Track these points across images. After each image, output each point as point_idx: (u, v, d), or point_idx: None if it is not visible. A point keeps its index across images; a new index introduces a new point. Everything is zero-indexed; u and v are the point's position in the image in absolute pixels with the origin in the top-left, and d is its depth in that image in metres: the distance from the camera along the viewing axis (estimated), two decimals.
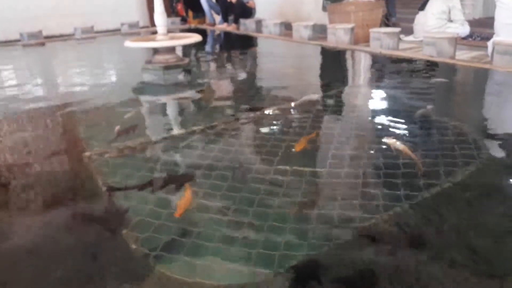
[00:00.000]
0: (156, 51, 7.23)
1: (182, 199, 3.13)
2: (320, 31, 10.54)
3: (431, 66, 7.22)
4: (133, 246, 2.66)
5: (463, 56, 7.51)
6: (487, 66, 6.63)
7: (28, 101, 6.19)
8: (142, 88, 6.86)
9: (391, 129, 4.44)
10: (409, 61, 7.66)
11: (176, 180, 3.51)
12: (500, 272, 2.26)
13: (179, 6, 15.88)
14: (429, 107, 5.01)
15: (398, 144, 3.76)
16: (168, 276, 2.39)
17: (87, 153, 4.09)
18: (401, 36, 9.15)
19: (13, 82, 7.87)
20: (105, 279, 2.39)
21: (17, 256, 2.65)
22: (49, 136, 4.77)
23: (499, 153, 3.91)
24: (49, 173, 3.79)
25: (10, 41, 11.90)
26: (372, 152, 3.91)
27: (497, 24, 7.06)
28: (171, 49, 7.29)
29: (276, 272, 2.36)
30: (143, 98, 6.41)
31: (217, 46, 11.94)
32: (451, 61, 7.12)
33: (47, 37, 12.52)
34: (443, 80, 6.32)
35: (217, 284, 2.31)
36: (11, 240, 2.85)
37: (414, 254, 2.45)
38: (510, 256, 2.41)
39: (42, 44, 12.05)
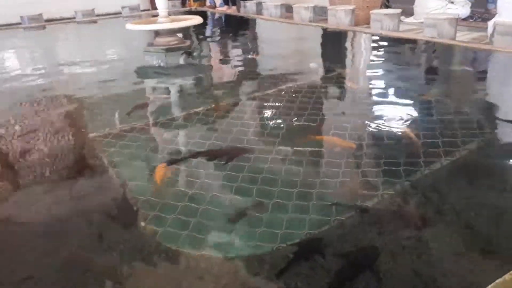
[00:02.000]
0: (157, 33, 7.22)
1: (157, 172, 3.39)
2: (320, 12, 10.48)
3: (432, 47, 7.21)
4: (142, 224, 2.74)
5: (464, 37, 7.49)
6: (487, 47, 6.62)
7: (31, 85, 6.23)
8: (144, 71, 6.87)
9: (392, 110, 4.48)
10: (410, 42, 7.64)
11: (227, 152, 3.62)
12: (499, 250, 2.33)
13: None
14: (435, 90, 5.05)
15: (401, 127, 3.83)
16: (175, 250, 2.47)
17: (92, 134, 4.15)
18: (402, 17, 9.09)
19: (16, 65, 7.88)
20: (114, 255, 2.47)
21: (25, 235, 2.73)
22: (54, 119, 4.81)
23: (499, 132, 3.96)
24: (55, 155, 3.85)
25: (11, 25, 11.83)
26: (372, 133, 3.96)
27: (499, 3, 7.02)
28: (173, 32, 7.27)
29: (279, 246, 2.44)
30: (146, 80, 6.43)
31: (218, 29, 11.88)
32: (452, 42, 7.10)
33: (48, 20, 12.45)
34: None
35: (223, 256, 2.39)
36: (19, 219, 2.93)
37: (415, 232, 2.52)
38: (508, 234, 2.48)
39: (43, 27, 11.99)
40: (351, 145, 3.62)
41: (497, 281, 1.75)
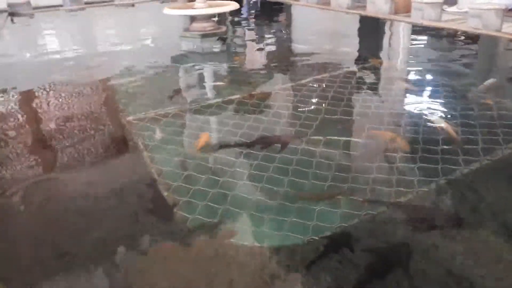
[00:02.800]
0: (193, 19, 7.25)
1: (201, 138, 3.71)
2: None
3: (475, 39, 6.91)
4: (174, 210, 2.80)
5: (511, 29, 7.11)
6: None
7: (71, 67, 6.41)
8: (180, 56, 6.93)
9: (431, 105, 4.35)
10: (453, 33, 7.34)
11: (279, 140, 3.66)
12: None
13: None
14: (493, 80, 4.86)
15: (441, 122, 3.72)
16: (204, 238, 2.51)
17: (129, 118, 4.26)
18: (444, 6, 8.73)
19: (57, 47, 8.13)
20: (143, 237, 2.54)
21: (63, 213, 2.85)
22: (93, 102, 4.95)
23: None
24: (93, 137, 3.97)
25: (53, 6, 12.15)
26: (409, 127, 3.86)
27: None
28: (209, 17, 7.29)
29: (310, 238, 2.44)
30: (181, 66, 6.49)
31: (254, 15, 11.80)
32: (498, 34, 6.77)
33: (87, 3, 12.72)
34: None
35: (251, 245, 2.42)
36: (57, 197, 3.06)
37: (449, 231, 2.46)
38: None
39: (83, 9, 12.27)
40: (406, 146, 3.50)
41: None
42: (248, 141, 3.66)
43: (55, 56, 7.23)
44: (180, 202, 2.86)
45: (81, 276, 2.26)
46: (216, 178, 3.14)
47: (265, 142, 3.61)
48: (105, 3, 12.97)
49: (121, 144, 3.87)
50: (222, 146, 3.63)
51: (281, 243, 2.45)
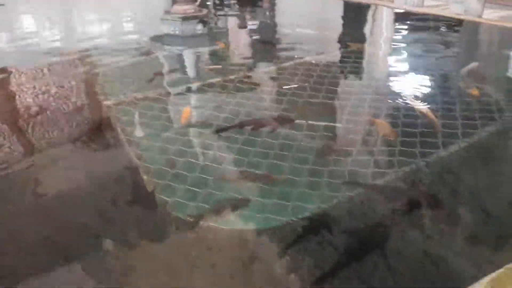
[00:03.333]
0: (174, 1, 7.10)
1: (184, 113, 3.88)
2: None
3: (457, 24, 6.96)
4: (153, 193, 2.76)
5: (492, 15, 7.18)
6: None
7: (49, 51, 6.22)
8: (160, 39, 6.80)
9: (411, 89, 4.37)
10: (434, 18, 7.38)
11: (268, 122, 3.65)
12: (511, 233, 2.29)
13: None
14: (475, 63, 4.92)
15: (421, 107, 3.74)
16: (184, 221, 2.49)
17: (107, 101, 4.17)
18: None
19: (34, 28, 7.88)
20: (125, 222, 2.50)
21: (43, 198, 2.79)
22: (70, 86, 4.82)
23: None
24: (70, 121, 3.88)
25: None
26: (390, 111, 3.88)
27: None
28: (190, 0, 7.14)
29: (289, 220, 2.44)
30: (162, 49, 6.37)
31: None
32: (479, 20, 6.83)
33: None
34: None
35: (230, 229, 2.41)
36: (36, 183, 2.98)
37: (427, 212, 2.49)
38: None
39: None
40: (395, 134, 3.47)
41: (507, 265, 1.72)
42: (244, 122, 3.65)
43: (34, 39, 7.00)
44: (160, 185, 2.82)
45: (61, 261, 2.22)
46: (196, 161, 3.11)
47: (257, 124, 3.61)
48: None
49: (98, 127, 3.79)
50: (219, 130, 3.57)
51: (262, 225, 2.44)
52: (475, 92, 4.04)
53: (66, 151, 3.39)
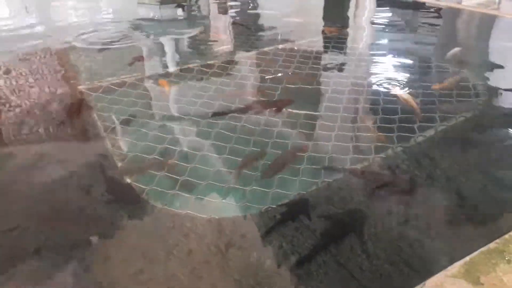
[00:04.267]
0: None
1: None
2: None
3: (436, 10, 6.98)
4: (128, 181, 2.70)
5: (470, 1, 7.24)
6: (494, 12, 6.41)
7: (23, 36, 6.01)
8: (137, 24, 6.63)
9: (391, 73, 4.37)
10: (415, 4, 7.39)
11: (276, 104, 3.65)
12: (485, 217, 2.31)
13: None
14: (458, 48, 4.95)
15: (403, 94, 3.74)
16: (161, 209, 2.45)
17: (81, 87, 4.05)
18: None
19: (5, 12, 7.60)
20: (98, 211, 2.45)
21: (13, 185, 2.70)
22: (44, 70, 4.67)
23: (497, 100, 3.89)
24: (44, 106, 3.76)
25: None
26: (370, 96, 3.88)
27: None
28: None
29: (268, 207, 2.42)
30: (139, 34, 6.22)
31: None
32: (458, 6, 6.87)
33: None
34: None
35: (209, 217, 2.38)
36: (5, 169, 2.89)
37: (404, 196, 2.50)
38: (497, 201, 2.46)
39: None
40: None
41: (481, 249, 1.74)
42: (242, 106, 3.65)
43: (4, 21, 6.75)
44: (135, 173, 2.76)
45: (33, 249, 2.16)
46: (174, 148, 3.05)
47: (260, 107, 3.62)
48: None
49: (72, 113, 3.67)
50: (216, 113, 3.54)
51: (240, 212, 2.41)
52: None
53: (38, 138, 3.28)
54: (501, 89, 4.02)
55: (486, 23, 6.42)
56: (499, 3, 6.47)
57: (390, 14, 7.37)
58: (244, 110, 3.57)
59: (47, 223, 2.38)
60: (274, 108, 3.56)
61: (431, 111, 3.47)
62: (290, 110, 3.56)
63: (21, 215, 2.44)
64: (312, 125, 3.40)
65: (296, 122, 3.37)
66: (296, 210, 2.39)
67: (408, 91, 3.80)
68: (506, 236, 1.86)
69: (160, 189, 2.61)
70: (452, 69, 4.45)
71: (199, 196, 2.56)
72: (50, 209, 2.47)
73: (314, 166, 2.79)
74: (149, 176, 2.72)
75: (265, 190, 2.56)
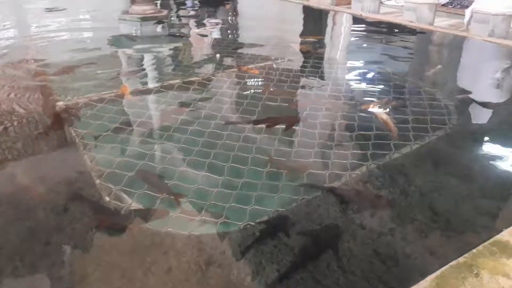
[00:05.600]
0: (133, 1, 6.96)
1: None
2: None
3: (410, 31, 7.24)
4: (107, 199, 2.69)
5: (442, 23, 7.54)
6: (464, 34, 6.70)
7: (4, 51, 5.95)
8: (118, 40, 6.65)
9: (367, 93, 4.51)
10: (389, 25, 7.64)
11: (282, 120, 3.72)
12: (458, 231, 2.40)
13: None
14: (438, 67, 5.19)
15: (382, 114, 3.82)
16: (141, 226, 2.44)
17: (60, 103, 4.02)
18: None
19: None
20: (76, 229, 2.42)
21: None
22: (22, 86, 4.62)
23: (468, 118, 4.05)
24: (22, 123, 3.71)
25: None
26: (347, 114, 3.98)
27: None
28: (150, 0, 7.02)
29: (247, 224, 2.45)
30: (120, 50, 6.23)
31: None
32: (430, 28, 7.15)
33: None
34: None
35: (188, 234, 2.39)
36: None
37: (378, 212, 2.57)
38: (468, 216, 2.55)
39: None
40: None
41: (451, 263, 1.81)
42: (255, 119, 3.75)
43: None
44: (114, 190, 2.75)
45: (9, 269, 2.12)
46: (153, 164, 3.06)
47: (271, 122, 3.70)
48: None
49: (51, 130, 3.64)
50: (228, 122, 3.65)
51: (219, 229, 2.43)
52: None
53: (15, 155, 3.24)
54: (471, 107, 4.20)
55: (456, 44, 6.69)
56: (468, 24, 6.77)
57: (365, 33, 7.59)
58: (256, 122, 3.70)
59: (23, 242, 2.34)
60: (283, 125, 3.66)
61: (404, 129, 3.58)
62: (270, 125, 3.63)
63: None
64: (291, 141, 3.47)
65: (275, 138, 3.43)
66: (275, 227, 2.43)
67: (385, 111, 3.89)
68: (474, 250, 1.94)
69: (140, 206, 2.61)
70: (424, 88, 4.62)
71: (178, 214, 2.57)
72: (26, 228, 2.44)
73: (292, 183, 2.84)
74: (129, 194, 2.72)
75: (244, 207, 2.59)
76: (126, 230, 2.45)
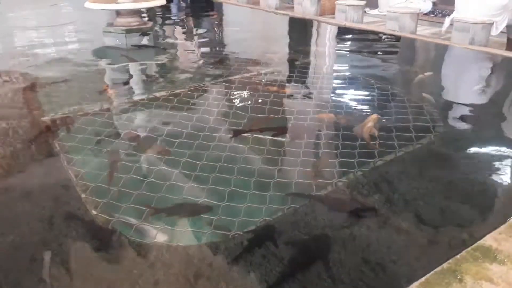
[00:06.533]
0: (118, 13, 6.96)
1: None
2: (287, 0, 10.43)
3: (393, 40, 7.37)
4: (93, 212, 2.67)
5: (424, 31, 7.69)
6: (446, 42, 6.84)
7: None
8: (103, 52, 6.64)
9: (350, 102, 4.57)
10: (373, 34, 7.76)
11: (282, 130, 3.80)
12: (443, 238, 2.43)
13: None
14: (428, 73, 5.25)
15: (365, 128, 3.82)
16: (127, 239, 2.43)
17: (44, 118, 3.99)
18: (366, 9, 9.21)
19: None
20: (63, 244, 2.40)
21: None
22: (6, 100, 4.57)
23: (451, 125, 4.12)
24: (6, 137, 3.67)
25: None
26: (331, 123, 4.03)
27: (457, 0, 7.26)
28: (134, 12, 7.04)
29: (235, 234, 2.45)
30: (104, 62, 6.22)
31: (183, 11, 11.62)
32: (412, 36, 7.28)
33: None
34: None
35: (176, 245, 2.38)
36: None
37: (365, 220, 2.60)
38: (453, 223, 2.59)
39: None
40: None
41: (435, 269, 1.84)
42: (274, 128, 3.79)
43: None
44: (101, 204, 2.74)
45: None
46: (140, 178, 3.05)
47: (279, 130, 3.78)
48: None
49: (35, 145, 3.61)
50: (236, 132, 3.67)
51: (207, 240, 2.43)
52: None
53: None
54: (455, 115, 4.29)
55: (438, 52, 6.83)
56: (446, 32, 6.95)
57: (349, 43, 7.71)
58: (262, 130, 3.76)
59: (7, 258, 2.31)
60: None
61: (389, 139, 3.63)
62: (256, 136, 3.66)
63: None
64: (278, 151, 3.49)
65: (263, 149, 3.46)
66: (263, 237, 2.44)
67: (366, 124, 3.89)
68: (458, 256, 1.98)
69: (126, 219, 2.60)
70: (407, 96, 4.70)
71: (165, 226, 2.57)
72: (10, 244, 2.41)
73: (279, 193, 2.86)
74: (115, 207, 2.70)
75: (232, 219, 2.60)
76: (112, 243, 2.43)
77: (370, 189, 2.92)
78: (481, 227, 2.45)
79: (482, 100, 4.93)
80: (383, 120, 3.93)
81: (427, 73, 5.35)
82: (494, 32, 6.78)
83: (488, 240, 2.11)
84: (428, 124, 3.89)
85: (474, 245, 2.08)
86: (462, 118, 4.23)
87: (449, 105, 4.63)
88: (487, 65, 6.05)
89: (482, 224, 2.53)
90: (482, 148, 3.60)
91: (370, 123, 3.80)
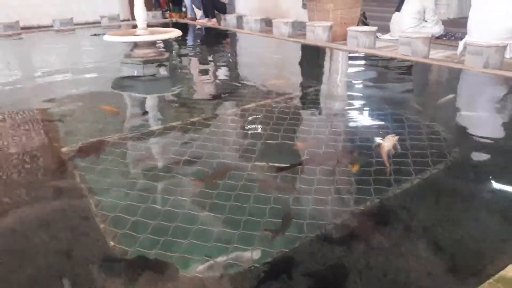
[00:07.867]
0: (135, 45, 7.19)
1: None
2: (299, 28, 10.63)
3: (406, 65, 7.40)
4: (111, 243, 2.69)
5: (437, 55, 7.71)
6: (459, 65, 6.84)
7: (6, 95, 6.10)
8: (120, 82, 6.82)
9: (366, 128, 4.57)
10: (385, 59, 7.82)
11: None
12: (463, 267, 2.38)
13: None
14: (452, 95, 5.38)
15: (384, 148, 3.78)
16: (144, 271, 2.44)
17: (64, 149, 4.09)
18: (378, 34, 9.32)
19: None
20: (80, 276, 2.42)
21: None
22: (27, 132, 4.71)
23: (468, 152, 4.07)
24: (27, 170, 3.76)
25: None
26: (348, 150, 4.03)
27: (469, 23, 7.29)
28: (151, 44, 7.26)
29: (250, 266, 2.44)
30: (122, 92, 6.38)
31: (198, 42, 11.92)
32: (426, 60, 7.31)
33: (24, 28, 12.27)
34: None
35: (192, 276, 2.38)
36: None
37: (383, 248, 2.56)
38: (472, 251, 2.54)
39: (19, 35, 11.80)
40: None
41: None
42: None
43: None
44: (118, 234, 2.77)
45: None
46: (157, 207, 3.08)
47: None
48: (44, 29, 12.58)
49: (55, 176, 3.68)
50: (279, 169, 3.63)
51: (225, 270, 2.42)
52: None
53: (18, 202, 3.26)
54: (471, 140, 4.24)
55: (453, 76, 6.83)
56: (461, 56, 6.96)
57: (362, 69, 7.76)
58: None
59: None
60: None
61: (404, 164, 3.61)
62: (272, 164, 3.67)
63: (2, 281, 2.39)
64: (292, 179, 3.49)
65: (276, 176, 3.47)
66: (279, 269, 2.42)
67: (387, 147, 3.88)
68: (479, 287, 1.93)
69: (142, 250, 2.61)
70: (423, 122, 4.68)
71: (182, 255, 2.57)
72: (28, 276, 2.43)
73: (296, 220, 2.85)
74: (132, 238, 2.72)
75: (247, 248, 2.59)
76: (129, 273, 2.44)
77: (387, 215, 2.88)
78: (503, 256, 2.39)
79: (499, 122, 4.88)
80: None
81: (448, 96, 5.40)
82: (508, 54, 6.78)
83: (510, 271, 2.06)
84: (444, 151, 3.86)
85: (496, 276, 2.03)
86: (479, 141, 4.18)
87: (465, 130, 4.59)
88: (502, 88, 6.02)
89: (504, 253, 2.47)
90: (502, 173, 3.54)
91: (388, 142, 3.81)
